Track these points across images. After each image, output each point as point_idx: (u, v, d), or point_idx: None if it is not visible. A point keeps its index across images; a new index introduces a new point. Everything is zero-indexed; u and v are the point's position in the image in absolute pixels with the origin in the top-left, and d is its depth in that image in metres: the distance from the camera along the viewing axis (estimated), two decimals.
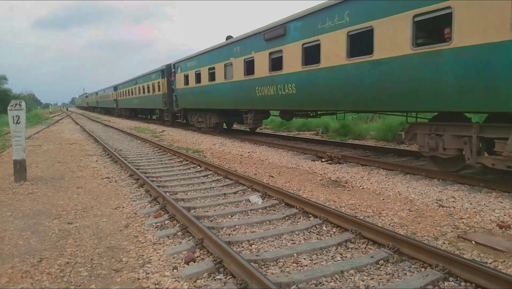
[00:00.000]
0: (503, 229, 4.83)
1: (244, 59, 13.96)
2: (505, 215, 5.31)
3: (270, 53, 12.30)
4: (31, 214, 5.83)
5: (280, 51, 11.73)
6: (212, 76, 16.86)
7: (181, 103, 21.22)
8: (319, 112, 13.42)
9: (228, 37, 16.47)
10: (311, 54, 10.53)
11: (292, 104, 11.72)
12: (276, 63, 12.13)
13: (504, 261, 3.91)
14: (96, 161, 11.03)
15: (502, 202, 5.87)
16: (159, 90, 25.48)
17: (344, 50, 9.03)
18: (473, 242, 4.42)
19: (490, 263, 3.88)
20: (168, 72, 23.86)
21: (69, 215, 5.78)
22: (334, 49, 9.41)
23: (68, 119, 42.40)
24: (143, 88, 29.95)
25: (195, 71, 18.59)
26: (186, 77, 19.88)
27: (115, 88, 43.03)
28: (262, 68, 12.78)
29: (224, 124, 20.05)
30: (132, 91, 34.62)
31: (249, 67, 13.76)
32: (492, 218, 5.21)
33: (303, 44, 10.64)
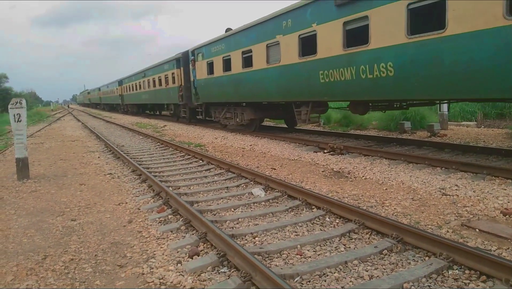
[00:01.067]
0: (507, 216, 4.82)
1: (300, 36, 10.86)
2: (508, 202, 5.29)
3: (345, 23, 9.22)
4: (35, 211, 5.85)
5: (364, 18, 8.66)
6: (247, 62, 13.72)
7: (203, 96, 18.05)
8: (408, 102, 10.56)
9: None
10: (424, 18, 8.20)
11: (384, 91, 8.59)
12: (355, 36, 9.24)
13: (508, 248, 3.90)
14: (99, 157, 11.05)
15: (505, 189, 5.85)
16: (173, 83, 22.07)
17: (502, 5, 6.07)
18: (477, 230, 4.41)
19: (494, 251, 3.87)
20: (185, 60, 20.37)
21: (73, 212, 5.79)
22: (476, 6, 6.45)
23: (70, 116, 42.44)
24: (154, 81, 26.60)
25: (223, 57, 15.39)
26: (210, 65, 16.74)
27: (120, 82, 40.06)
28: (330, 44, 9.72)
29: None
30: (140, 85, 31.28)
31: (308, 44, 10.71)
32: (496, 206, 5.19)
33: (408, 5, 7.63)
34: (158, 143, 13.48)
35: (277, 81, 12.25)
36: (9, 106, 8.11)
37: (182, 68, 20.73)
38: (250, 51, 13.45)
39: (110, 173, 8.54)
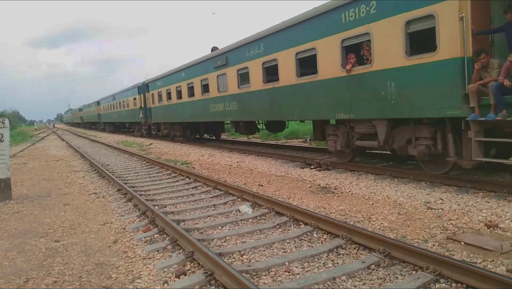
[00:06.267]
0: (491, 228, 4.89)
1: None
2: (492, 214, 5.37)
3: None
4: (17, 233, 5.71)
5: None
6: None
7: None
8: None
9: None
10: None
11: None
12: None
13: (493, 261, 3.95)
14: (83, 177, 10.89)
15: (489, 202, 5.94)
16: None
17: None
18: (462, 242, 4.46)
19: (479, 263, 3.91)
20: None
21: (56, 232, 5.67)
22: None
23: (54, 136, 41.84)
24: (242, 75, 13.08)
25: None
26: None
27: (142, 89, 26.00)
28: None
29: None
30: (202, 89, 16.56)
31: None
32: (480, 218, 5.27)
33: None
34: (144, 162, 13.37)
35: None
36: None
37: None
38: None
39: (95, 193, 8.42)
